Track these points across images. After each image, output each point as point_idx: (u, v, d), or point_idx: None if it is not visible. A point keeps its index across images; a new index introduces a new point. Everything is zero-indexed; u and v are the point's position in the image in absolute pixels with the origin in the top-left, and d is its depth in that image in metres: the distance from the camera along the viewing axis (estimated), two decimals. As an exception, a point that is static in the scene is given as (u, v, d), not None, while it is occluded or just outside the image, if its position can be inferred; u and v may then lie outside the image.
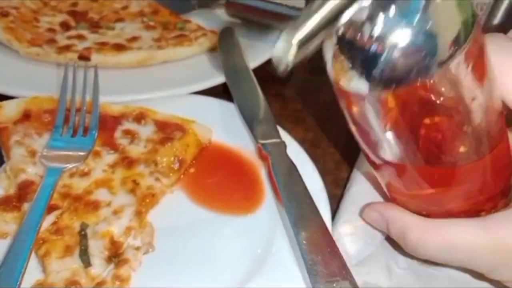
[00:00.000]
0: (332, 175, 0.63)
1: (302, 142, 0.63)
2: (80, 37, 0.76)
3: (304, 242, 0.48)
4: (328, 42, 0.37)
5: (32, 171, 0.55)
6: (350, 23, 0.34)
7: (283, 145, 0.59)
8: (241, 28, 0.81)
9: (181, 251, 0.52)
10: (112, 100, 0.63)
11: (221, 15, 0.85)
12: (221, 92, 0.70)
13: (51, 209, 0.51)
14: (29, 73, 0.68)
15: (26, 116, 0.59)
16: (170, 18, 0.85)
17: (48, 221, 0.51)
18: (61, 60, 0.70)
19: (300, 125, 0.71)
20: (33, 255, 0.48)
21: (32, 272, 0.47)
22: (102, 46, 0.73)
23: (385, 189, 0.52)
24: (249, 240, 0.53)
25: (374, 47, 0.34)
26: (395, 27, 0.33)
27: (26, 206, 0.52)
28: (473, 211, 0.46)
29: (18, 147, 0.57)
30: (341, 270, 0.46)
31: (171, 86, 0.68)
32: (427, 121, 0.40)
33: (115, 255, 0.50)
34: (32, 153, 0.56)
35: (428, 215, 0.47)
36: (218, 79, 0.69)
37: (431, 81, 0.35)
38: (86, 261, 0.48)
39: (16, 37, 0.72)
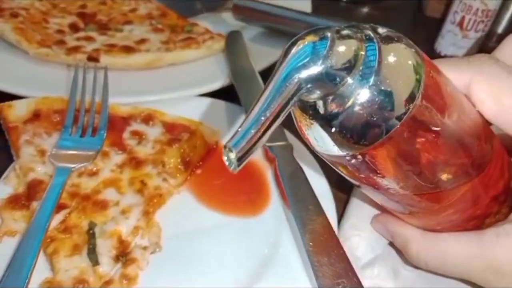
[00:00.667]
0: (338, 178, 0.63)
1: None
2: (89, 39, 0.77)
3: (310, 244, 0.49)
4: (295, 113, 0.37)
5: (41, 170, 0.55)
6: (306, 96, 0.33)
7: (289, 147, 0.59)
8: (248, 32, 0.82)
9: (187, 251, 0.52)
10: (121, 101, 0.64)
11: (228, 19, 0.86)
12: (228, 94, 0.70)
13: (59, 208, 0.52)
14: (39, 73, 0.69)
15: (36, 116, 0.60)
16: (178, 21, 0.86)
17: (56, 220, 0.51)
18: (70, 61, 0.70)
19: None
20: (41, 253, 0.49)
21: (41, 270, 0.48)
22: (110, 47, 0.74)
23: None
24: (255, 242, 0.53)
25: (333, 114, 0.33)
26: (353, 91, 0.32)
27: (35, 204, 0.53)
28: (475, 223, 0.46)
29: (27, 147, 0.57)
30: (347, 272, 0.46)
31: (179, 88, 0.68)
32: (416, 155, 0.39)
33: (123, 254, 0.50)
34: (42, 153, 0.57)
35: (429, 229, 0.46)
36: (225, 81, 0.70)
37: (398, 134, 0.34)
38: (94, 259, 0.49)
39: (26, 38, 0.73)
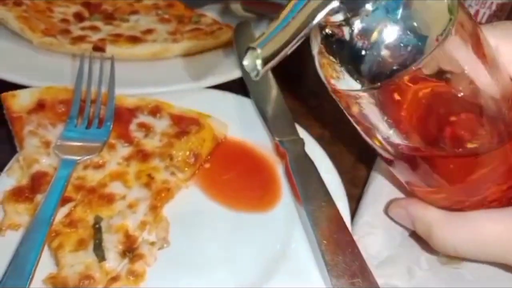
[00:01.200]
0: (349, 174, 0.61)
1: (319, 139, 0.62)
2: (94, 28, 0.75)
3: (323, 242, 0.47)
4: (314, 40, 0.36)
5: (45, 162, 0.54)
6: (332, 22, 0.33)
7: (301, 142, 0.58)
8: (256, 23, 0.80)
9: (196, 247, 0.50)
10: (127, 93, 0.62)
11: (236, 10, 0.84)
12: (237, 87, 0.69)
13: (64, 201, 0.50)
14: (43, 63, 0.67)
15: (40, 106, 0.58)
16: (185, 11, 0.84)
17: (61, 213, 0.50)
18: (75, 51, 0.69)
19: (317, 122, 0.69)
20: (45, 248, 0.47)
21: (45, 266, 0.46)
22: (116, 37, 0.72)
23: (407, 188, 0.51)
24: (266, 239, 0.51)
25: (359, 43, 0.33)
26: (378, 23, 0.32)
27: (39, 197, 0.51)
28: (508, 198, 0.43)
29: (31, 138, 0.55)
30: (363, 270, 0.45)
31: (186, 79, 0.67)
32: (439, 111, 0.39)
33: (130, 249, 0.49)
34: (46, 144, 0.55)
35: (457, 209, 0.43)
36: (234, 73, 0.68)
37: (425, 70, 0.34)
38: (100, 255, 0.47)
39: (30, 26, 0.71)
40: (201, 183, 0.58)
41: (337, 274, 0.45)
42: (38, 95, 0.59)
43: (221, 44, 0.75)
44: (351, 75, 0.34)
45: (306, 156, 0.55)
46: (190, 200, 0.55)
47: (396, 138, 0.41)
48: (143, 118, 0.61)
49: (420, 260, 0.50)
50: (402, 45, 0.32)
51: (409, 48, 0.32)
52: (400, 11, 0.32)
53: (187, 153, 0.58)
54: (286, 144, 0.57)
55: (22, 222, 0.50)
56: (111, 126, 0.57)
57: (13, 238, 0.48)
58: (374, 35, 0.32)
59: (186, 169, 0.57)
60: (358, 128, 0.45)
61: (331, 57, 0.35)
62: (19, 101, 0.58)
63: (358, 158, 0.65)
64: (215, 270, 0.49)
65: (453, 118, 0.39)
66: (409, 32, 0.32)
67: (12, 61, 0.66)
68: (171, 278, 0.48)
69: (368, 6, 0.32)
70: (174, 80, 0.67)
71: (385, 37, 0.32)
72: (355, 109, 0.41)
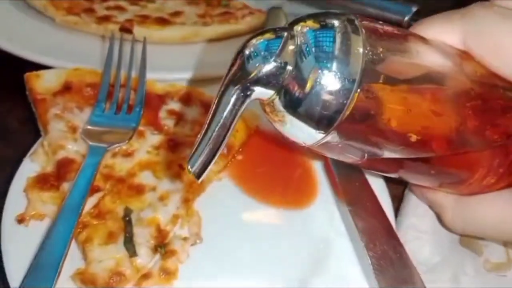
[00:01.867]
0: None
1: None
2: (120, 8, 0.72)
3: (370, 245, 0.44)
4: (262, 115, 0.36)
5: (72, 148, 0.51)
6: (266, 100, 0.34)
7: (342, 136, 0.54)
8: (289, 8, 0.76)
9: (230, 244, 0.48)
10: (156, 78, 0.59)
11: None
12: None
13: (92, 190, 0.47)
14: (69, 43, 0.64)
15: (66, 88, 0.55)
16: (213, -6, 0.80)
17: (89, 203, 0.47)
18: (101, 31, 0.65)
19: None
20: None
21: (71, 260, 0.43)
22: (144, 19, 0.69)
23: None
24: (305, 238, 0.48)
25: (301, 99, 0.32)
26: (306, 74, 0.32)
27: (65, 186, 0.48)
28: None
29: (57, 121, 0.52)
30: (413, 278, 0.42)
31: (218, 66, 0.63)
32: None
33: (161, 245, 0.46)
34: (73, 129, 0.52)
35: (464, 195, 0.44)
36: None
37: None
38: (131, 250, 0.44)
39: (53, 3, 0.68)
40: (234, 176, 0.54)
41: (385, 281, 0.42)
42: (65, 76, 0.56)
43: (252, 29, 0.71)
44: (312, 129, 0.33)
45: (348, 151, 0.52)
46: (223, 194, 0.52)
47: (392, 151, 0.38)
48: (173, 105, 0.58)
49: (466, 266, 0.47)
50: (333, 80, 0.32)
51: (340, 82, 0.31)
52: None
53: (220, 143, 0.54)
54: (326, 138, 0.53)
55: (47, 212, 0.47)
56: (141, 112, 0.54)
57: (38, 229, 0.45)
58: (307, 86, 0.32)
59: (219, 160, 0.54)
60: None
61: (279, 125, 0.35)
62: (43, 82, 0.55)
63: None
64: (251, 270, 0.46)
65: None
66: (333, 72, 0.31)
67: (36, 40, 0.63)
68: (205, 277, 0.45)
69: (287, 71, 0.32)
70: (204, 66, 0.63)
71: (318, 83, 0.31)
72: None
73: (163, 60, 0.63)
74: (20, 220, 0.46)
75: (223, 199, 0.52)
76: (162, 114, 0.56)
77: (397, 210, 0.52)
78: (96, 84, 0.56)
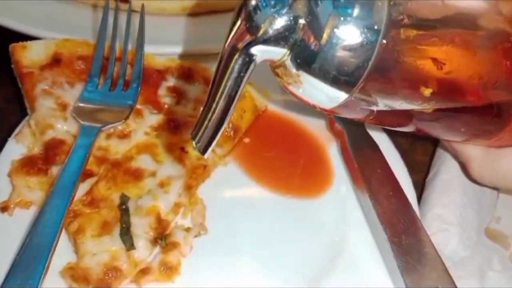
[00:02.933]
0: (406, 158, 0.53)
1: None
2: (115, -24, 0.66)
3: (394, 239, 0.40)
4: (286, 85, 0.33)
5: (62, 128, 0.46)
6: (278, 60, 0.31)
7: (361, 118, 0.49)
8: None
9: (238, 236, 0.43)
10: (155, 51, 0.53)
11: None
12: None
13: (84, 175, 0.43)
14: (61, 13, 0.57)
15: (55, 61, 0.49)
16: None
17: (81, 190, 0.42)
18: (95, 0, 0.59)
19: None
20: (62, 232, 0.39)
21: (62, 253, 0.39)
22: (141, -13, 0.63)
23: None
24: (319, 229, 0.44)
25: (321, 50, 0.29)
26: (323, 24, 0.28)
27: (54, 170, 0.43)
28: None
29: (45, 98, 0.47)
30: (442, 276, 0.38)
31: (222, 39, 0.58)
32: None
33: (162, 236, 0.41)
34: (63, 106, 0.47)
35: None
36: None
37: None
38: (128, 242, 0.40)
39: (41, -31, 0.62)
40: (240, 160, 0.50)
41: (412, 279, 0.38)
42: (54, 48, 0.50)
43: None
44: (333, 88, 0.30)
45: (367, 135, 0.47)
46: (229, 180, 0.48)
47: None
48: (174, 81, 0.52)
49: (492, 260, 0.44)
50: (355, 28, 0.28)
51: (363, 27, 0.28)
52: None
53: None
54: (343, 120, 0.48)
55: (34, 199, 0.42)
56: (139, 88, 0.49)
57: (23, 218, 0.41)
58: (325, 38, 0.28)
59: (224, 143, 0.49)
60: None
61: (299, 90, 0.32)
62: (30, 54, 0.50)
63: (415, 139, 0.57)
64: (260, 265, 0.42)
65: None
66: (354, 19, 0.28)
67: (24, 10, 0.56)
68: (210, 272, 0.41)
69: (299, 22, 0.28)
70: (207, 40, 0.57)
71: (337, 33, 0.28)
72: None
73: (162, 32, 0.57)
74: (4, 208, 0.42)
75: (230, 186, 0.47)
76: (161, 91, 0.51)
77: (418, 198, 0.48)
78: (88, 57, 0.50)
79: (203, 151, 0.32)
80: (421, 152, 0.56)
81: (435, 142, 0.54)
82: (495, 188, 0.49)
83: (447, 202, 0.45)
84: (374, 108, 0.33)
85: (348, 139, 0.47)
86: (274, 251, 0.43)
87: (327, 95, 0.31)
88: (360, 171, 0.44)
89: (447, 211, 0.45)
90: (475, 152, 0.44)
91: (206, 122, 0.31)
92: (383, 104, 0.33)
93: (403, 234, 0.40)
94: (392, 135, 0.53)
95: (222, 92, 0.29)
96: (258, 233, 0.44)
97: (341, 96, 0.31)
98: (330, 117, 0.50)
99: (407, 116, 0.36)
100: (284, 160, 0.50)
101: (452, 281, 0.38)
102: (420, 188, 0.50)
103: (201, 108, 0.31)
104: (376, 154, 0.45)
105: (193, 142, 0.32)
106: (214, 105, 0.30)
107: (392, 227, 0.40)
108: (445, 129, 0.41)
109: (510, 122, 0.39)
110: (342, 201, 0.46)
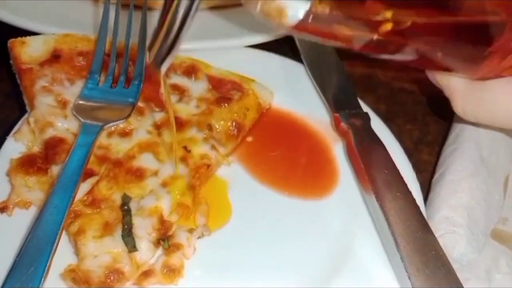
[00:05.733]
0: (411, 158, 0.51)
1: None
2: (115, -30, 0.64)
3: (401, 241, 0.39)
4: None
5: (62, 126, 0.45)
6: None
7: (366, 117, 0.48)
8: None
9: (242, 237, 0.43)
10: (157, 47, 0.52)
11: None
12: (285, 48, 0.59)
13: (85, 175, 0.42)
14: (60, 8, 0.56)
15: (55, 57, 0.48)
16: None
17: (81, 190, 0.41)
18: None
19: (370, 94, 0.60)
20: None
21: (62, 255, 0.37)
22: (142, -18, 0.62)
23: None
24: (325, 231, 0.43)
25: None
26: None
27: (54, 169, 0.42)
28: None
29: (45, 95, 0.46)
30: (449, 280, 0.37)
31: (225, 35, 0.57)
32: None
33: (164, 237, 0.40)
34: (63, 104, 0.46)
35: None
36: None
37: None
38: (131, 244, 0.39)
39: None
40: (244, 160, 0.49)
41: (420, 282, 0.37)
42: (53, 43, 0.49)
43: (261, -3, 0.65)
44: None
45: (374, 134, 0.46)
46: (233, 180, 0.47)
47: None
48: (177, 78, 0.51)
49: (499, 262, 0.44)
50: None
51: None
52: None
53: (229, 123, 0.49)
54: (348, 119, 0.48)
55: (34, 199, 0.41)
56: (141, 85, 0.48)
57: (23, 219, 0.40)
58: None
59: (227, 142, 0.48)
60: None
61: None
62: (29, 50, 0.49)
63: (420, 139, 0.57)
64: (265, 268, 0.41)
65: None
66: None
67: (22, 4, 0.55)
68: (214, 274, 0.40)
69: None
70: (210, 36, 0.56)
71: None
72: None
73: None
74: (2, 208, 0.41)
75: (233, 186, 0.46)
76: (164, 89, 0.50)
77: (424, 199, 0.47)
78: (89, 53, 0.49)
79: (157, 66, 0.34)
80: (426, 152, 0.55)
81: (441, 142, 0.54)
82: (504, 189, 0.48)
83: (454, 204, 0.45)
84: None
85: (354, 139, 0.46)
86: (280, 253, 0.42)
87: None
88: (366, 171, 0.43)
89: (455, 213, 0.44)
90: (458, 85, 0.43)
91: (162, 35, 0.32)
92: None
93: (410, 236, 0.39)
94: (398, 134, 0.52)
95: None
96: (262, 235, 0.43)
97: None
98: (336, 116, 0.49)
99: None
100: (288, 159, 0.49)
101: (460, 283, 0.37)
102: (426, 188, 0.49)
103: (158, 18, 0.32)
104: (383, 154, 0.45)
105: (148, 55, 0.33)
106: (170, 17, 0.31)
107: (399, 229, 0.39)
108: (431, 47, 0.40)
109: (498, 40, 0.38)
110: (348, 202, 0.45)
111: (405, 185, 0.42)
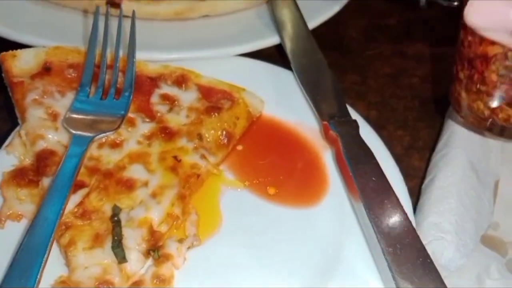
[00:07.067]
0: (402, 163, 0.52)
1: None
2: (106, -20, 0.65)
3: (389, 249, 0.39)
4: None
5: (53, 139, 0.45)
6: None
7: (355, 125, 0.49)
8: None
9: (231, 247, 0.43)
10: (147, 58, 0.53)
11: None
12: (273, 56, 0.59)
13: (76, 186, 0.42)
14: (50, 19, 0.57)
15: (46, 70, 0.49)
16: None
17: (72, 201, 0.41)
18: (86, 6, 0.58)
19: (361, 101, 0.61)
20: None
21: (53, 266, 0.38)
22: (133, -8, 0.62)
23: None
24: (314, 239, 0.43)
25: None
26: None
27: (45, 181, 0.42)
28: None
29: (36, 108, 0.46)
30: (437, 286, 0.37)
31: (216, 45, 0.57)
32: None
33: (154, 248, 0.41)
34: (54, 116, 0.46)
35: None
36: (271, 39, 0.59)
37: None
38: (120, 254, 0.39)
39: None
40: (233, 169, 0.49)
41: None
42: (44, 56, 0.49)
43: (253, 5, 0.65)
44: None
45: (362, 142, 0.47)
46: (222, 189, 0.47)
47: None
48: (167, 88, 0.52)
49: (490, 268, 0.44)
50: None
51: None
52: None
53: (219, 132, 0.49)
54: (337, 127, 0.48)
55: (25, 211, 0.42)
56: (131, 97, 0.48)
57: (14, 232, 0.40)
58: None
59: (218, 151, 0.49)
60: None
61: None
62: (20, 63, 0.49)
63: (410, 144, 0.57)
64: (255, 275, 0.41)
65: None
66: None
67: (14, 16, 0.56)
68: (204, 284, 0.40)
69: None
70: (200, 45, 0.57)
71: None
72: None
73: (154, 38, 0.57)
74: (-6, 221, 0.41)
75: (223, 194, 0.47)
76: (154, 99, 0.51)
77: (414, 204, 0.47)
78: (79, 65, 0.50)
79: None
80: (417, 158, 0.55)
81: (432, 148, 0.54)
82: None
83: (443, 210, 0.45)
84: None
85: (343, 146, 0.46)
86: (270, 261, 0.42)
87: None
88: (355, 179, 0.44)
89: (443, 219, 0.44)
90: None
91: None
92: None
93: (398, 244, 0.39)
94: (389, 140, 0.53)
95: None
96: (252, 244, 0.43)
97: None
98: (325, 124, 0.49)
99: None
100: (278, 168, 0.49)
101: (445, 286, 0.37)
102: (416, 194, 0.50)
103: None
104: (371, 162, 0.45)
105: None
106: None
107: (387, 237, 0.40)
108: None
109: None
110: (337, 210, 0.46)
111: (393, 192, 0.43)
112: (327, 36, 0.66)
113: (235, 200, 0.46)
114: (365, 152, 0.46)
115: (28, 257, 0.36)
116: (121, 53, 0.50)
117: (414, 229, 0.41)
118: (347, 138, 0.47)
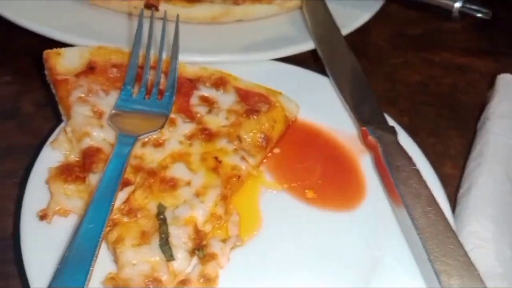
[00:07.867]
0: (435, 171, 0.52)
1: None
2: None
3: (434, 256, 0.39)
4: None
5: (98, 136, 0.45)
6: None
7: (393, 131, 0.49)
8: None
9: (273, 248, 0.43)
10: (187, 60, 0.53)
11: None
12: (304, 61, 0.60)
13: (122, 184, 0.42)
14: (94, 20, 0.58)
15: (90, 69, 0.50)
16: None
17: (119, 198, 0.42)
18: (124, 8, 0.59)
19: (392, 107, 0.61)
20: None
21: (101, 262, 0.38)
22: (170, -5, 0.63)
23: None
24: (356, 242, 0.44)
25: None
26: None
27: (92, 178, 0.43)
28: None
29: (81, 105, 0.47)
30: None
31: (252, 49, 0.58)
32: None
33: (199, 247, 0.41)
34: (99, 114, 0.47)
35: None
36: (307, 45, 0.60)
37: None
38: (168, 253, 0.39)
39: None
40: (271, 170, 0.50)
41: (453, 295, 0.37)
42: (88, 55, 0.50)
43: (284, 11, 0.66)
44: None
45: (401, 148, 0.47)
46: (262, 190, 0.48)
47: None
48: (205, 90, 0.52)
49: None
50: None
51: None
52: None
53: (258, 134, 0.50)
54: (377, 133, 0.49)
55: (72, 207, 0.42)
56: (173, 97, 0.49)
57: (62, 227, 0.41)
58: None
59: (257, 153, 0.49)
60: None
61: None
62: (64, 61, 0.50)
63: (443, 152, 0.57)
64: (296, 277, 0.41)
65: None
66: None
67: (58, 17, 0.57)
68: (246, 284, 0.40)
69: None
70: (237, 49, 0.58)
71: None
72: None
73: (193, 41, 0.58)
74: (43, 216, 0.41)
75: (262, 196, 0.47)
76: (194, 100, 0.51)
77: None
78: (122, 65, 0.50)
79: None
80: (450, 165, 0.56)
81: (465, 155, 0.54)
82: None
83: (483, 217, 0.45)
84: None
85: (383, 152, 0.47)
86: (311, 263, 0.42)
87: None
88: (396, 184, 0.44)
89: (483, 227, 0.44)
90: None
91: None
92: None
93: (442, 250, 0.40)
94: (421, 147, 0.53)
95: None
96: (293, 246, 0.43)
97: None
98: (363, 129, 0.50)
99: None
100: (315, 171, 0.50)
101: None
102: (451, 202, 0.50)
103: None
104: (411, 168, 0.45)
105: None
106: None
107: (431, 245, 0.40)
108: None
109: None
110: (376, 214, 0.46)
111: (434, 199, 0.43)
112: (354, 43, 0.67)
113: (274, 202, 0.47)
114: (404, 159, 0.46)
115: (79, 254, 0.36)
116: (164, 55, 0.51)
117: (456, 236, 0.41)
118: (386, 144, 0.47)
